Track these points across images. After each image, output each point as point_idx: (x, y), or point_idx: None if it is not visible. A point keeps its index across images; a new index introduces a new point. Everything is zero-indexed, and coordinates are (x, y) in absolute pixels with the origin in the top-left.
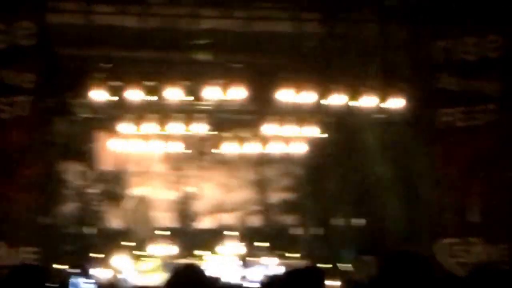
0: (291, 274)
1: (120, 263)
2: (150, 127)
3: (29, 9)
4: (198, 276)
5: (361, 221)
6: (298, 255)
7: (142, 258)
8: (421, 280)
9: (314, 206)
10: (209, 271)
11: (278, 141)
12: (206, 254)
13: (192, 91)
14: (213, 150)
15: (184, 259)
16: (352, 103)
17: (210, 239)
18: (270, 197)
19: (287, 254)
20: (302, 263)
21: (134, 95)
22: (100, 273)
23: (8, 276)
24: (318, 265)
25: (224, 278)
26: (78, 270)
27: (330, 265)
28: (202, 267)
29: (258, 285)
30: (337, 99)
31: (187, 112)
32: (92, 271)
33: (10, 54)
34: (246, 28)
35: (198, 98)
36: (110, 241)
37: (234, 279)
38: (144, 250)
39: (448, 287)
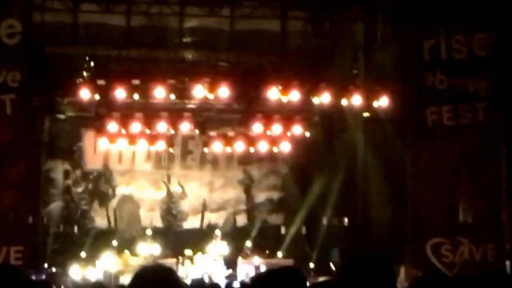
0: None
1: (106, 262)
2: (136, 126)
3: (15, 8)
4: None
5: (347, 220)
6: (283, 254)
7: (128, 257)
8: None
9: (300, 205)
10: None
11: (264, 140)
12: (192, 253)
13: (178, 89)
14: (199, 149)
15: (169, 258)
16: (339, 102)
17: (196, 238)
18: (256, 196)
19: (272, 253)
20: (287, 262)
21: (120, 93)
22: (86, 272)
23: None
24: (303, 264)
25: (211, 277)
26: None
27: (316, 265)
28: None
29: (244, 284)
30: (324, 98)
31: (173, 111)
32: (78, 270)
33: None
34: (232, 27)
35: (184, 96)
36: (96, 240)
37: (219, 278)
38: (130, 249)
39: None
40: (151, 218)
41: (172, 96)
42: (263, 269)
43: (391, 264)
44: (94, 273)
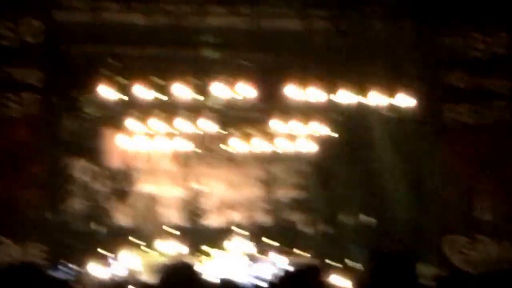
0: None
1: (128, 261)
2: (157, 124)
3: (36, 7)
4: (189, 274)
5: (370, 219)
6: (306, 253)
7: (150, 256)
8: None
9: (322, 203)
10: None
11: (286, 139)
12: (214, 251)
13: (199, 87)
14: (221, 148)
15: (191, 257)
16: (360, 101)
17: (218, 236)
18: (278, 195)
19: (295, 252)
20: (310, 261)
21: (142, 92)
22: (107, 270)
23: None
24: (327, 262)
25: (232, 276)
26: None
27: (339, 263)
28: (194, 266)
29: (266, 283)
30: (346, 97)
31: (194, 109)
32: (99, 269)
33: (17, 51)
34: (253, 25)
35: (205, 95)
36: (118, 238)
37: (242, 277)
38: (152, 248)
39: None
40: (172, 216)
41: (193, 94)
42: (286, 268)
43: (415, 261)
44: (114, 271)
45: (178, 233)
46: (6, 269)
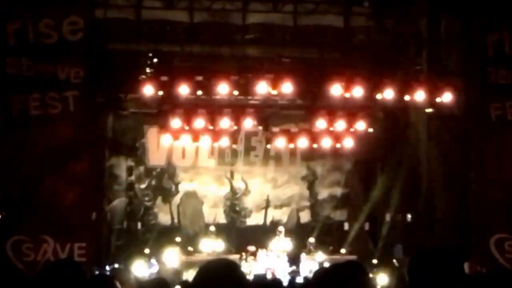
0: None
1: (170, 258)
2: (199, 122)
3: (77, 5)
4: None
5: (410, 217)
6: (346, 250)
7: (191, 254)
8: (450, 276)
9: (363, 201)
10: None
11: (328, 136)
12: (255, 249)
13: (241, 85)
14: (262, 145)
15: (232, 255)
16: (403, 98)
17: (259, 234)
18: (320, 193)
19: (336, 249)
20: (351, 258)
21: (184, 90)
22: (149, 268)
23: (42, 271)
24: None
25: (274, 273)
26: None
27: (379, 261)
28: (235, 263)
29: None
30: (387, 94)
31: (237, 107)
32: (141, 266)
33: (59, 49)
34: (295, 23)
35: (247, 93)
36: (160, 236)
37: (282, 275)
38: (194, 246)
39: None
40: (215, 214)
41: (235, 92)
42: (327, 265)
43: (460, 258)
44: (157, 269)
45: (220, 231)
46: (48, 267)
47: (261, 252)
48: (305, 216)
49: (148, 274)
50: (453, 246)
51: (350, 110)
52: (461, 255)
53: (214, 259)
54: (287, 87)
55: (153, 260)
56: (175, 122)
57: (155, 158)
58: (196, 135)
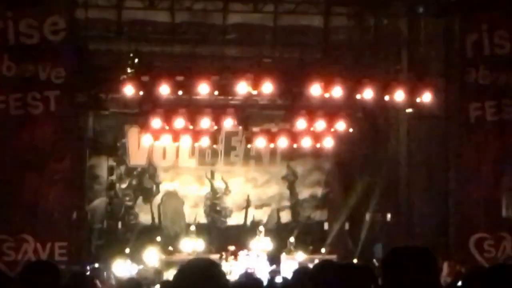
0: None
1: (150, 258)
2: (180, 122)
3: (59, 5)
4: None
5: (390, 216)
6: (327, 250)
7: (172, 254)
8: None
9: (343, 201)
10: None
11: (308, 136)
12: (235, 249)
13: (221, 85)
14: (242, 145)
15: (213, 254)
16: (382, 98)
17: (240, 234)
18: (300, 193)
19: (316, 249)
20: (331, 258)
21: (164, 90)
22: (129, 268)
23: (21, 272)
24: (346, 260)
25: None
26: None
27: (359, 260)
28: (216, 263)
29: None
30: (367, 94)
31: (217, 107)
32: (121, 266)
33: (40, 49)
34: (275, 23)
35: (227, 93)
36: (140, 236)
37: (262, 274)
38: (174, 245)
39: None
40: (195, 214)
41: (216, 92)
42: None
43: (434, 258)
44: (137, 269)
45: (201, 231)
46: (27, 266)
47: (241, 252)
48: (285, 216)
49: (129, 274)
50: (427, 245)
51: (330, 110)
52: (433, 255)
53: (194, 258)
54: (267, 87)
55: (133, 260)
56: (156, 122)
57: (136, 158)
58: (176, 135)
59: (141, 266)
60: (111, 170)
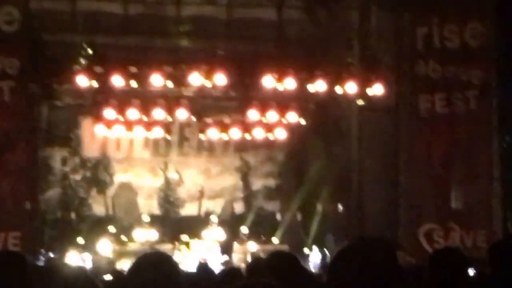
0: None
1: (103, 248)
2: (133, 112)
3: None
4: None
5: (341, 207)
6: (279, 240)
7: (125, 244)
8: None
9: (295, 192)
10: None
11: (260, 127)
12: (189, 240)
13: (175, 77)
14: (196, 136)
15: (166, 245)
16: (334, 90)
17: (193, 225)
18: (253, 183)
19: (268, 239)
20: (283, 248)
21: (118, 81)
22: (83, 258)
23: None
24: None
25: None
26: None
27: (310, 250)
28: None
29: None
30: (319, 86)
31: (170, 98)
32: (75, 257)
33: None
34: (229, 15)
35: (181, 84)
36: (94, 226)
37: (214, 264)
38: (128, 236)
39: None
40: (149, 205)
41: (169, 84)
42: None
43: (391, 248)
44: (90, 259)
45: (154, 222)
46: None
47: (194, 242)
48: (239, 207)
49: (82, 264)
50: (382, 236)
51: (283, 102)
52: (388, 246)
53: (148, 253)
54: (220, 79)
55: (86, 250)
56: (109, 113)
57: (90, 150)
58: (129, 126)
59: (94, 256)
60: (64, 161)
